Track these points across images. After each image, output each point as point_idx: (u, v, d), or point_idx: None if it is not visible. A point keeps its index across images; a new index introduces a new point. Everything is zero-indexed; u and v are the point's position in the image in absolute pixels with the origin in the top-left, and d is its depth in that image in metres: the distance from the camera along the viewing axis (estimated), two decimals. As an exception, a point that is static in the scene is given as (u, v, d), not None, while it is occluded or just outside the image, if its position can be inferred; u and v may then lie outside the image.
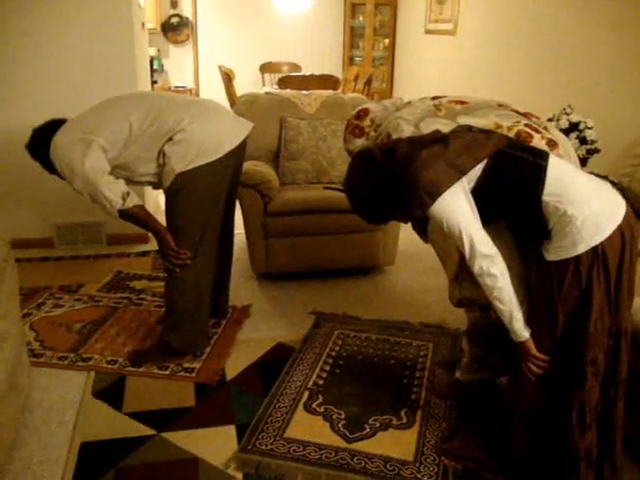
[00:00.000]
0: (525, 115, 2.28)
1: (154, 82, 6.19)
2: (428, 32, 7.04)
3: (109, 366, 2.85)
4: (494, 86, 5.45)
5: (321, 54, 8.59)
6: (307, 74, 6.98)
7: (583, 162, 3.28)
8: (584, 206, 1.82)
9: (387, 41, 8.21)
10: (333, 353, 2.99)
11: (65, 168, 2.62)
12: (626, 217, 1.86)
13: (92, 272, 3.94)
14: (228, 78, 6.72)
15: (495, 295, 1.91)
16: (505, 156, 1.93)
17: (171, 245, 2.73)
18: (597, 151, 3.46)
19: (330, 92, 4.57)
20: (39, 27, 3.96)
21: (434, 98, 2.42)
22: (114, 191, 2.61)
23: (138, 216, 2.72)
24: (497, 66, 5.43)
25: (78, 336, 3.13)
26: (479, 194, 1.91)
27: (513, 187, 1.91)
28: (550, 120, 3.54)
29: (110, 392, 2.67)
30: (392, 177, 1.95)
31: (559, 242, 1.85)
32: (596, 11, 4.09)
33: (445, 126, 2.16)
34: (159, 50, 7.76)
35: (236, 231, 4.58)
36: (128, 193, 2.65)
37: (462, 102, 2.35)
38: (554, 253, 1.87)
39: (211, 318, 3.14)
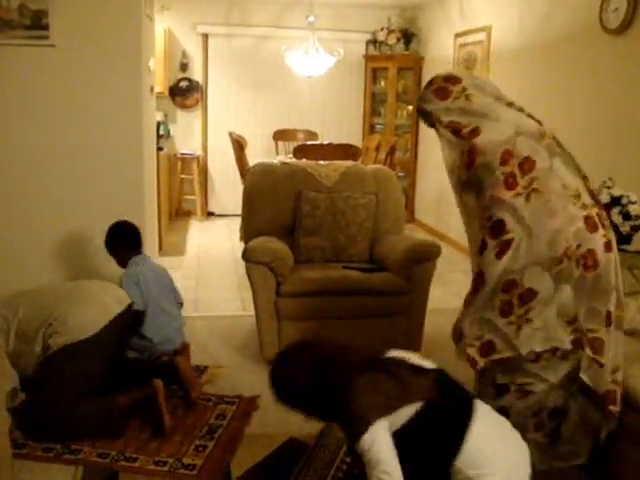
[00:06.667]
0: (598, 202, 2.56)
1: (160, 149, 6.30)
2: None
3: (100, 460, 2.83)
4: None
5: (340, 121, 8.80)
6: (325, 143, 7.17)
7: (627, 239, 3.32)
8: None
9: (411, 108, 8.40)
10: (351, 452, 2.97)
11: None
12: None
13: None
14: (239, 146, 6.89)
15: None
16: (432, 408, 2.09)
17: None
18: (642, 227, 3.50)
19: (350, 163, 4.71)
20: (41, 84, 4.15)
21: (529, 116, 2.68)
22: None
23: None
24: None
25: (67, 425, 3.13)
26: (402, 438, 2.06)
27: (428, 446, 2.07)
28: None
29: (101, 490, 2.66)
30: (324, 387, 2.17)
31: None
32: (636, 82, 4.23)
33: (541, 160, 2.43)
34: (166, 115, 8.04)
35: (245, 312, 4.67)
36: None
37: (560, 146, 2.60)
38: None
39: None
